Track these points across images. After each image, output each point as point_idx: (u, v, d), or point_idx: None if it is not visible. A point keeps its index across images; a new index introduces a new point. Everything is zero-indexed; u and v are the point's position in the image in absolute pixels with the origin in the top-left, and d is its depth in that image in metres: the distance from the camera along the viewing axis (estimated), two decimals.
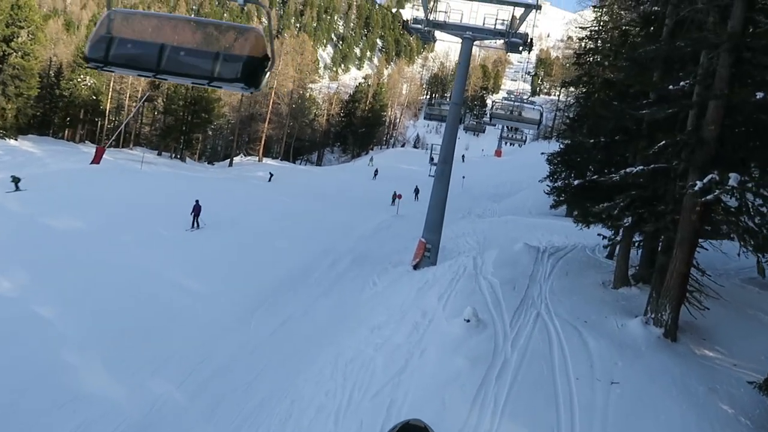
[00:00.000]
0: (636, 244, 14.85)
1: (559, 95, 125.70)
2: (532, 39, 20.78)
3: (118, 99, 67.46)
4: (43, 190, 28.94)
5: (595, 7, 41.94)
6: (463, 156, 57.47)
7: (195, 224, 25.44)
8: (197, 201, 25.60)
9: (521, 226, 26.10)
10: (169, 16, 3.31)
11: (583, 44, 42.47)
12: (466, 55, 21.32)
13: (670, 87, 10.64)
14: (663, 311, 11.18)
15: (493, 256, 16.31)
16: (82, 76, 60.03)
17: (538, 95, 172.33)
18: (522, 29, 20.98)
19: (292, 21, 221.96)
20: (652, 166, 11.62)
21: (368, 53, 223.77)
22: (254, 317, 16.09)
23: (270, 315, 16.17)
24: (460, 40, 21.42)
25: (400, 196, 34.98)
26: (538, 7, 20.04)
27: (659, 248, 13.04)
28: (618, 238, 14.06)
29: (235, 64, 3.08)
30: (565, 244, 19.28)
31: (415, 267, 21.15)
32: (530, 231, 24.13)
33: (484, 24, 21.33)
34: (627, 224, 12.71)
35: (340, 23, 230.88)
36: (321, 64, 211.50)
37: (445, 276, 15.36)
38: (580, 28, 42.60)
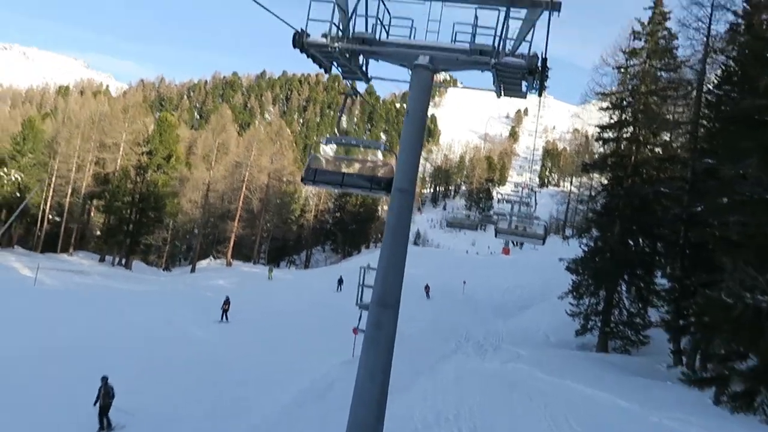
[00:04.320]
0: None
1: (570, 186, 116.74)
2: (545, 59, 9.97)
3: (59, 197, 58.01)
4: None
5: (620, 68, 32.46)
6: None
7: None
8: None
9: (539, 400, 14.65)
10: None
11: (608, 115, 32.63)
12: (419, 97, 10.52)
13: None
14: None
15: None
16: (6, 170, 50.76)
17: (547, 187, 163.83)
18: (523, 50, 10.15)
19: (296, 117, 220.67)
20: None
21: None
22: None
23: None
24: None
25: (356, 331, 23.86)
26: (556, 6, 9.00)
27: None
28: None
29: None
30: None
31: None
32: (558, 426, 12.67)
33: (453, 40, 10.47)
34: None
35: (344, 118, 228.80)
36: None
37: None
38: (601, 94, 32.86)
